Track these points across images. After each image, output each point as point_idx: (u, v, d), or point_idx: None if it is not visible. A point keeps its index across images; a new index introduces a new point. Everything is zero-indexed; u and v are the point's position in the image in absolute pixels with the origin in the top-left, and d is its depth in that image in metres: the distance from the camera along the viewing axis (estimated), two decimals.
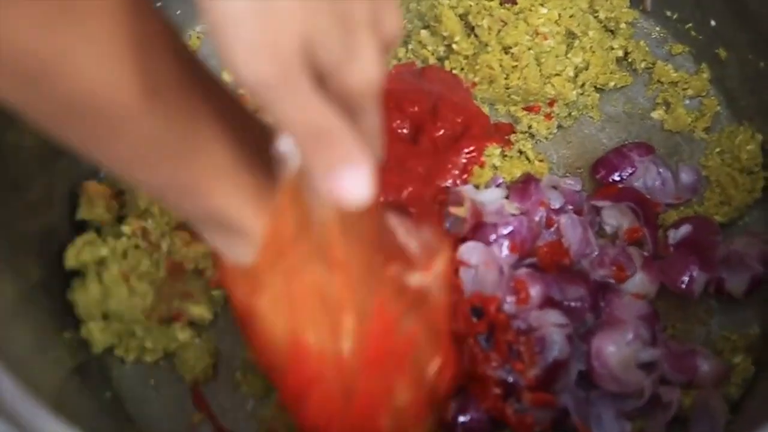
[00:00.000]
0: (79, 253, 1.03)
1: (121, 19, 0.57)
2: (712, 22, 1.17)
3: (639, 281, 1.05)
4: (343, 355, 0.74)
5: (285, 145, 0.67)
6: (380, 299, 0.75)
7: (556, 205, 1.10)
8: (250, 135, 0.69)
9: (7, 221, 0.94)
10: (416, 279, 0.79)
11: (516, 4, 1.19)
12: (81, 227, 1.07)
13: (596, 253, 1.08)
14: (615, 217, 1.11)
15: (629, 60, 1.22)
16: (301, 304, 0.71)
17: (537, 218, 1.09)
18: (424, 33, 1.22)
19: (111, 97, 0.57)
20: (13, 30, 0.51)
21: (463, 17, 1.20)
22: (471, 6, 1.19)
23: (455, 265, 0.84)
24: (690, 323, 1.07)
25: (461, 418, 0.98)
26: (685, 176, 1.14)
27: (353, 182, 0.55)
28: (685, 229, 1.07)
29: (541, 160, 1.16)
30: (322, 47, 0.52)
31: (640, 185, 1.13)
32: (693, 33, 1.21)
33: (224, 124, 0.67)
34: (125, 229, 1.04)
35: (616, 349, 1.00)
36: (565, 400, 1.00)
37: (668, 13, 1.22)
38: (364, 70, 0.55)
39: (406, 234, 0.82)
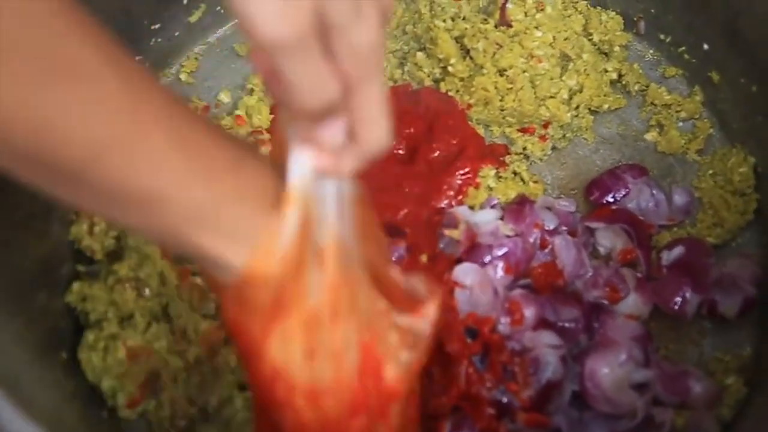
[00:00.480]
0: (77, 300, 1.03)
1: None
2: (705, 46, 1.17)
3: (632, 302, 1.05)
4: (321, 387, 0.73)
5: (295, 171, 0.67)
6: (370, 335, 0.74)
7: (551, 227, 1.09)
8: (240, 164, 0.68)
9: (5, 243, 0.93)
10: (405, 321, 0.78)
11: (511, 27, 1.19)
12: (80, 252, 1.07)
13: (590, 274, 1.08)
14: (609, 239, 1.10)
15: (623, 82, 1.22)
16: (291, 336, 0.70)
17: (531, 239, 1.08)
18: (420, 55, 1.22)
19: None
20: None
21: (458, 40, 1.20)
22: (467, 29, 1.19)
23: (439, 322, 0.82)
24: (683, 344, 1.07)
25: None
26: (678, 198, 1.13)
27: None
28: (678, 250, 1.07)
29: (535, 182, 1.16)
30: (333, 10, 0.57)
31: (634, 207, 1.12)
32: (686, 56, 1.21)
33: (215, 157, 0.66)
34: (119, 272, 1.04)
35: (610, 370, 1.00)
36: (559, 420, 1.00)
37: (662, 37, 1.23)
38: (369, 33, 0.60)
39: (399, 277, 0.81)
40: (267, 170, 0.69)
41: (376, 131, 0.66)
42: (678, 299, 1.04)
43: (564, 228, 1.10)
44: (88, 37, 0.57)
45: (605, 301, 1.05)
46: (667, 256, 1.07)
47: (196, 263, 0.74)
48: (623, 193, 1.13)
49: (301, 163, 0.67)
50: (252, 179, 0.68)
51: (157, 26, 1.18)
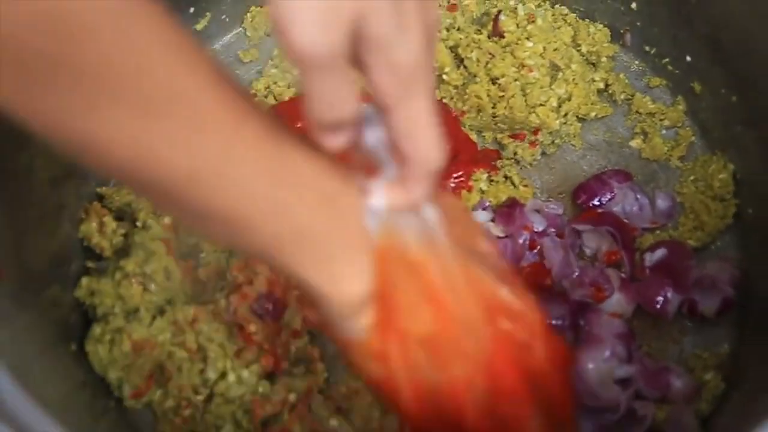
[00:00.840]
0: (86, 295, 1.06)
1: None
2: (688, 58, 1.19)
3: (616, 301, 1.08)
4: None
5: (374, 207, 0.67)
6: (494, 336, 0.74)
7: (539, 228, 1.12)
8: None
9: (18, 240, 0.95)
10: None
11: (503, 37, 1.21)
12: (89, 248, 1.10)
13: (576, 273, 1.11)
14: (594, 241, 1.13)
15: (609, 91, 1.25)
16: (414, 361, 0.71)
17: (521, 241, 1.11)
18: None
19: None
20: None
21: (453, 49, 1.23)
22: (461, 39, 1.22)
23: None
24: (664, 342, 1.09)
25: None
26: (661, 202, 1.16)
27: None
28: (660, 252, 1.10)
29: (525, 185, 1.18)
30: (376, 22, 0.54)
31: (619, 210, 1.15)
32: (670, 67, 1.23)
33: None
34: (126, 267, 1.06)
35: (594, 366, 1.03)
36: None
37: (647, 48, 1.25)
38: (413, 49, 0.56)
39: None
40: (358, 207, 0.68)
41: (423, 148, 0.63)
42: (660, 299, 1.07)
43: (552, 230, 1.13)
44: (184, 59, 0.56)
45: (590, 300, 1.08)
46: (650, 258, 1.10)
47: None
48: (609, 197, 1.15)
49: (377, 206, 0.67)
50: (342, 217, 0.67)
51: None
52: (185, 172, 0.57)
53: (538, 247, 1.12)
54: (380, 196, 0.67)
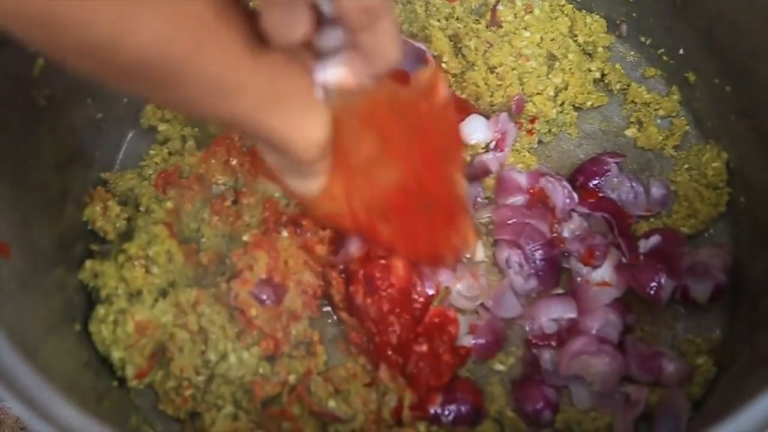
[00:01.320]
0: (90, 277, 1.07)
1: None
2: (681, 51, 1.21)
3: (605, 272, 1.10)
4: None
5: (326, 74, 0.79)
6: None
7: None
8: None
9: (25, 222, 0.96)
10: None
11: (501, 27, 1.22)
12: (93, 232, 1.11)
13: (585, 225, 1.13)
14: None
15: (605, 81, 1.26)
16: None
17: None
18: None
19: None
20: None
21: (451, 38, 1.24)
22: (460, 28, 1.23)
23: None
24: (657, 327, 1.11)
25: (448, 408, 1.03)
26: (656, 190, 1.17)
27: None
28: (654, 239, 1.11)
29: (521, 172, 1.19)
30: None
31: (615, 198, 1.16)
32: (665, 58, 1.24)
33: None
34: (129, 250, 1.07)
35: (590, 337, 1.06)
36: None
37: (642, 39, 1.26)
38: None
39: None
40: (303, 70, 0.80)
41: (386, 54, 0.76)
42: (654, 284, 1.09)
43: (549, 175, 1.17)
44: None
45: (576, 258, 1.10)
46: (644, 245, 1.11)
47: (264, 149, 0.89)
48: (605, 176, 1.17)
49: (330, 78, 0.80)
50: (299, 77, 0.80)
51: None
52: (181, 51, 0.66)
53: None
54: (334, 72, 0.79)
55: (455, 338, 1.07)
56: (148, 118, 1.21)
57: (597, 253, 1.10)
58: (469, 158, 1.18)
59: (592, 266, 1.10)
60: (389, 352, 1.03)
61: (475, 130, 1.18)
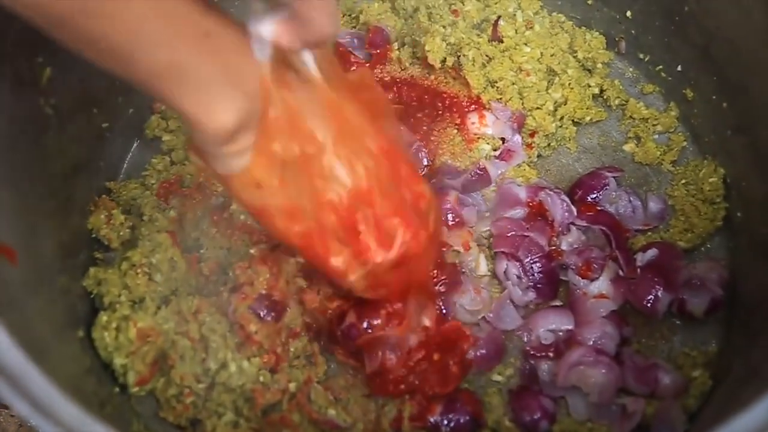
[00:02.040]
0: (93, 284, 1.08)
1: None
2: (679, 67, 1.22)
3: (602, 285, 1.11)
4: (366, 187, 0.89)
5: (260, 28, 0.77)
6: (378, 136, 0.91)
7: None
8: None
9: (31, 230, 0.97)
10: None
11: (502, 42, 1.24)
12: (97, 239, 1.12)
13: (583, 239, 1.14)
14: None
15: (604, 97, 1.27)
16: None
17: None
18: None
19: None
20: None
21: (452, 45, 1.24)
22: (462, 38, 1.23)
23: None
24: (654, 339, 1.11)
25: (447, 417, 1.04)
26: (653, 205, 1.18)
27: None
28: (651, 252, 1.12)
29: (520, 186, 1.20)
30: None
31: (612, 212, 1.17)
32: (663, 74, 1.26)
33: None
34: (133, 258, 1.08)
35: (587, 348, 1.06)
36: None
37: (641, 56, 1.28)
38: None
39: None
40: (239, 44, 0.78)
41: (323, 25, 0.76)
42: (650, 297, 1.09)
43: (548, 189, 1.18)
44: None
45: (574, 271, 1.11)
46: (642, 258, 1.12)
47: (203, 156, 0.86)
48: (603, 189, 1.17)
49: (264, 35, 0.77)
50: (219, 53, 0.76)
51: None
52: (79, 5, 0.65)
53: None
54: (269, 27, 0.77)
55: (466, 353, 1.07)
56: (152, 128, 1.23)
57: (594, 266, 1.10)
58: (470, 164, 1.19)
59: (590, 279, 1.11)
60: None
61: (489, 124, 1.20)
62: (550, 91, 1.22)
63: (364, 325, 1.03)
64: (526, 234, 1.12)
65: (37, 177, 1.00)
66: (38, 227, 0.99)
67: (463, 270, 1.14)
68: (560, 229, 1.14)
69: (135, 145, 1.23)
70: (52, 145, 1.03)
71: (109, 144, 1.18)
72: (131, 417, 1.05)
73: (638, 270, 1.11)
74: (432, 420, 1.02)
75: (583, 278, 1.11)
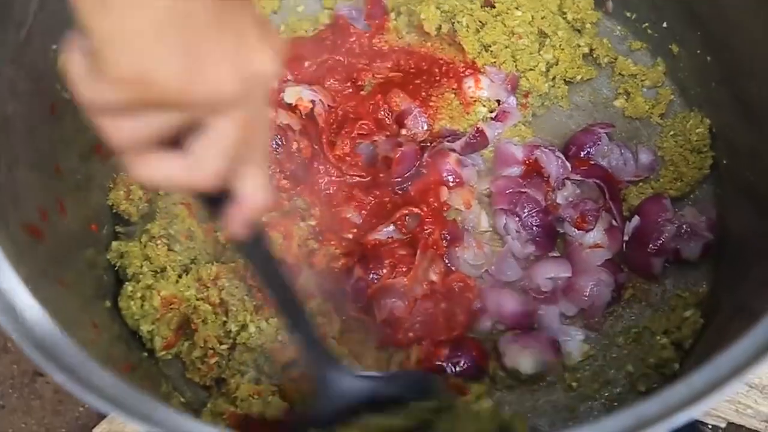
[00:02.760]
0: (116, 257, 1.13)
1: None
2: (665, 24, 1.25)
3: (597, 235, 1.15)
4: None
5: None
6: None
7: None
8: None
9: (55, 207, 1.02)
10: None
11: (494, 7, 1.26)
12: (118, 215, 1.16)
13: (578, 192, 1.18)
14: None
15: (594, 55, 1.30)
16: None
17: None
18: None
19: None
20: None
21: (446, 13, 1.26)
22: (456, 5, 1.26)
23: None
24: (648, 284, 1.16)
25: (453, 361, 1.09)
26: (644, 156, 1.22)
27: None
28: (635, 221, 1.16)
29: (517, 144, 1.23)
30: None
31: (605, 165, 1.21)
32: (649, 31, 1.28)
33: None
34: (152, 230, 1.13)
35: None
36: None
37: (627, 14, 1.30)
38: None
39: None
40: None
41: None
42: (644, 264, 1.15)
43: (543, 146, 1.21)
44: None
45: (569, 223, 1.15)
46: (628, 228, 1.16)
47: None
48: (596, 144, 1.21)
49: None
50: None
51: None
52: None
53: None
54: None
55: (472, 303, 1.12)
56: None
57: (589, 217, 1.14)
58: (468, 126, 1.23)
59: (585, 230, 1.15)
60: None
61: (485, 87, 1.24)
62: (541, 52, 1.25)
63: (371, 276, 1.09)
64: (523, 190, 1.16)
65: (61, 157, 1.04)
66: (63, 205, 1.03)
67: (466, 227, 1.18)
68: (555, 184, 1.17)
69: None
70: (71, 127, 1.06)
71: None
72: (160, 379, 1.10)
73: (625, 245, 1.16)
74: (438, 363, 1.07)
75: (578, 230, 1.15)
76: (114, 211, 1.16)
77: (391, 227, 1.15)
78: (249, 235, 0.76)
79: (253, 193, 0.71)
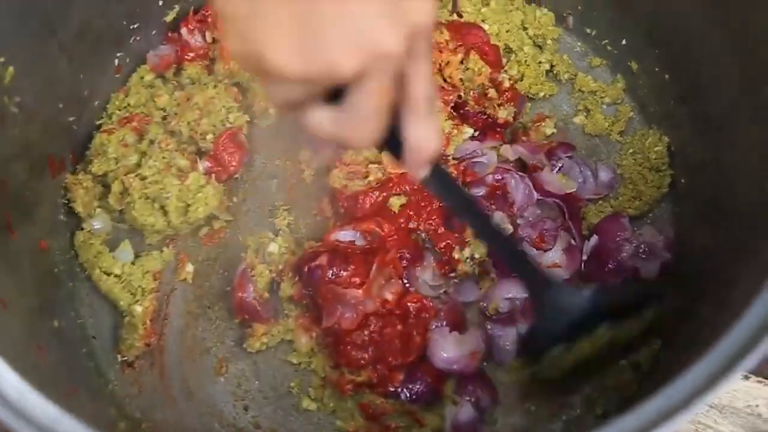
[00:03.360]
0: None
1: None
2: (624, 41, 1.23)
3: (555, 255, 1.13)
4: None
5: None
6: None
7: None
8: None
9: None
10: None
11: (461, 17, 1.25)
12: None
13: (538, 212, 1.15)
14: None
15: (554, 72, 1.28)
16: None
17: None
18: None
19: None
20: None
21: None
22: None
23: None
24: None
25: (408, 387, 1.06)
26: (603, 174, 1.20)
27: None
28: (593, 240, 1.14)
29: None
30: None
31: None
32: (609, 48, 1.27)
33: None
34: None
35: None
36: None
37: (588, 30, 1.29)
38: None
39: None
40: None
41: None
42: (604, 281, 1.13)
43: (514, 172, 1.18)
44: None
45: (528, 243, 1.13)
46: (586, 247, 1.15)
47: None
48: (557, 167, 1.18)
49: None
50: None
51: (135, 26, 1.20)
52: None
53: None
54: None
55: (428, 323, 1.09)
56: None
57: (547, 237, 1.13)
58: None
59: (543, 249, 1.13)
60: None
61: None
62: (506, 68, 1.24)
63: (330, 273, 1.06)
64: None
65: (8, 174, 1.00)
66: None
67: (426, 246, 1.15)
68: (518, 212, 1.15)
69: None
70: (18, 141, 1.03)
71: (76, 135, 1.17)
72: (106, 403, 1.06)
73: (583, 265, 1.14)
74: (392, 389, 1.05)
75: (537, 249, 1.13)
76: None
77: (357, 233, 1.12)
78: (429, 172, 0.79)
79: (425, 141, 0.73)
